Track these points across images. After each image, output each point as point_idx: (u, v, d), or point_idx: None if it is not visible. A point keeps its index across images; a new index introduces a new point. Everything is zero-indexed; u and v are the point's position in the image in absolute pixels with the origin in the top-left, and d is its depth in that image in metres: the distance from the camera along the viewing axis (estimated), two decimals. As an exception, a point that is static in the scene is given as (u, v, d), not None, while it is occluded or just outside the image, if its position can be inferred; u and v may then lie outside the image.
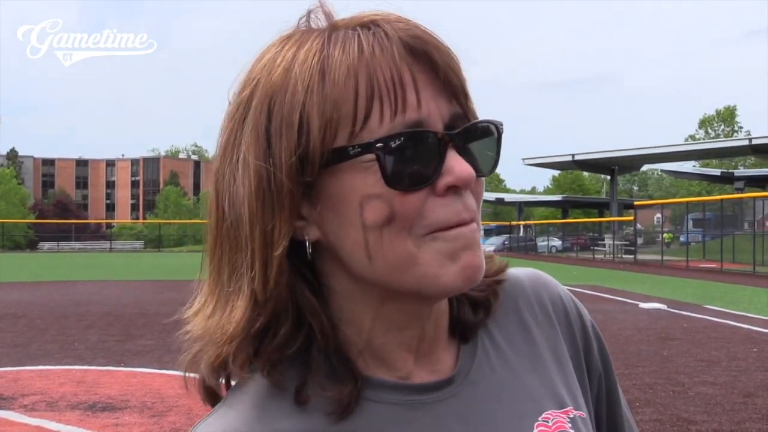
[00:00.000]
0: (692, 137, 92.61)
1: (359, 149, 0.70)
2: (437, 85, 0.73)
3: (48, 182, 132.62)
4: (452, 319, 0.84)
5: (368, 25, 0.73)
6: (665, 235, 45.37)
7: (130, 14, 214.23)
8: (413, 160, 0.70)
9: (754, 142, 49.03)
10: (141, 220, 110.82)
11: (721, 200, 38.79)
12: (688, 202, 43.44)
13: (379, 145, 0.69)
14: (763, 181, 55.55)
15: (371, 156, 0.70)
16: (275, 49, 0.75)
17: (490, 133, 0.76)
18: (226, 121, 0.76)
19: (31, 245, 77.09)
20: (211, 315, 0.76)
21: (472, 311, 0.85)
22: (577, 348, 0.91)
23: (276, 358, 0.74)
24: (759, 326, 13.22)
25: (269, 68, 0.73)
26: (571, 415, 0.83)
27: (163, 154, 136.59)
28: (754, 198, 37.87)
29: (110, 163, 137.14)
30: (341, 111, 0.70)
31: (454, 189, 0.71)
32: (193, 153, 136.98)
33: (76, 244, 76.15)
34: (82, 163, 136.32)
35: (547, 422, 0.81)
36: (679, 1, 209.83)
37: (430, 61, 0.73)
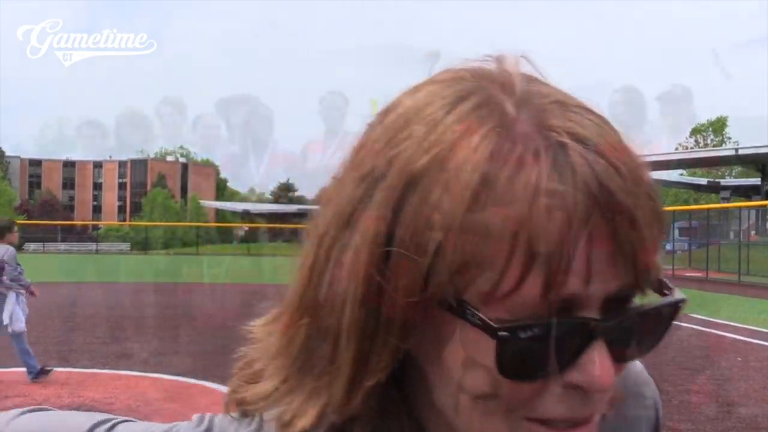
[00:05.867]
0: (681, 146, 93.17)
1: (480, 323, 0.52)
2: (611, 249, 0.52)
3: (35, 183, 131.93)
4: None
5: (556, 130, 0.52)
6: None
7: (128, 14, 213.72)
8: (544, 350, 0.52)
9: (740, 152, 49.25)
10: (128, 222, 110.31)
11: (708, 209, 38.97)
12: (674, 211, 43.67)
13: (503, 334, 0.51)
14: (748, 191, 55.91)
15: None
16: (439, 109, 0.55)
17: (662, 316, 0.58)
18: (354, 172, 0.57)
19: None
20: (283, 397, 0.61)
21: None
22: None
23: None
24: (744, 335, 13.27)
25: (419, 138, 0.54)
26: None
27: (151, 156, 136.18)
28: (740, 207, 38.08)
29: (97, 165, 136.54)
30: (486, 259, 0.51)
31: (579, 389, 0.54)
32: (181, 156, 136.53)
33: (62, 246, 75.63)
34: (69, 164, 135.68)
35: None
36: (671, 8, 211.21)
37: (613, 223, 0.52)
